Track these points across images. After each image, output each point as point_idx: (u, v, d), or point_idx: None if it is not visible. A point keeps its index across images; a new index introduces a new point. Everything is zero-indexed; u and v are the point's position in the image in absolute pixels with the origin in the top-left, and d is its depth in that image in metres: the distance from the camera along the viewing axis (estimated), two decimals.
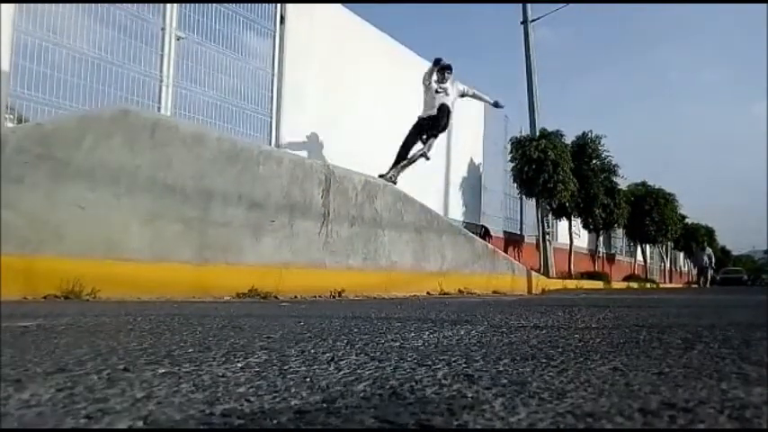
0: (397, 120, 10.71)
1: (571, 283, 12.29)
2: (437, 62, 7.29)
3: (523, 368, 1.02)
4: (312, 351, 1.24)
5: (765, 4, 34.75)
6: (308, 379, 0.90)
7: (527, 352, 1.25)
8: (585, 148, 15.17)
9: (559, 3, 15.67)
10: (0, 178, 3.06)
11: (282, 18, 8.35)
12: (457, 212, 12.86)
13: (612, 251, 23.15)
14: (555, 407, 0.71)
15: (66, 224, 3.36)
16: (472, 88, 7.99)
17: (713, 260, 26.23)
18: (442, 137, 13.03)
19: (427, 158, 7.51)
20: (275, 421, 0.65)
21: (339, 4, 9.55)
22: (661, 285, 20.98)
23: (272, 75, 8.26)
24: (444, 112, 7.24)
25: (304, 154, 5.16)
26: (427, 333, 1.66)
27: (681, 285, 27.17)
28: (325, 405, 0.73)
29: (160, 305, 3.05)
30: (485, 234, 13.15)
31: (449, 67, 7.37)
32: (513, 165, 13.59)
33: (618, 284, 16.79)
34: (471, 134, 13.79)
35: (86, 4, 6.02)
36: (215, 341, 1.41)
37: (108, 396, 0.76)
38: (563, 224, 16.28)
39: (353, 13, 9.84)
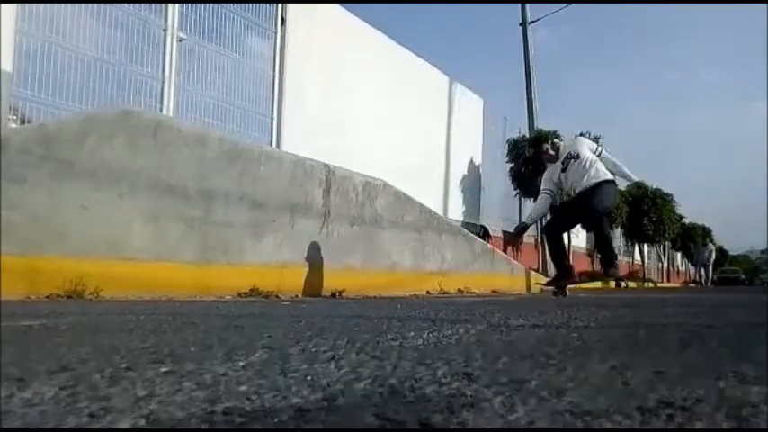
0: (398, 119, 10.74)
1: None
2: None
3: (522, 367, 1.02)
4: (313, 350, 1.25)
5: (765, 4, 34.70)
6: (309, 377, 0.91)
7: (526, 351, 1.26)
8: None
9: (559, 2, 15.69)
10: (1, 179, 3.07)
11: (283, 19, 8.37)
12: (456, 212, 12.86)
13: None
14: (554, 405, 0.72)
15: (68, 224, 3.37)
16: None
17: (713, 256, 24.11)
18: (441, 137, 12.98)
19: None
20: (276, 419, 0.66)
21: (339, 5, 9.56)
22: (659, 285, 20.94)
23: (273, 75, 8.27)
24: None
25: (305, 154, 5.16)
26: (427, 332, 1.67)
27: (679, 285, 27.07)
28: (325, 403, 0.73)
29: (162, 304, 3.06)
30: (484, 234, 13.15)
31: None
32: (510, 165, 13.63)
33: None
34: (471, 135, 13.81)
35: (88, 5, 6.03)
36: (217, 340, 1.42)
37: (110, 394, 0.77)
38: None
39: (353, 13, 9.86)
